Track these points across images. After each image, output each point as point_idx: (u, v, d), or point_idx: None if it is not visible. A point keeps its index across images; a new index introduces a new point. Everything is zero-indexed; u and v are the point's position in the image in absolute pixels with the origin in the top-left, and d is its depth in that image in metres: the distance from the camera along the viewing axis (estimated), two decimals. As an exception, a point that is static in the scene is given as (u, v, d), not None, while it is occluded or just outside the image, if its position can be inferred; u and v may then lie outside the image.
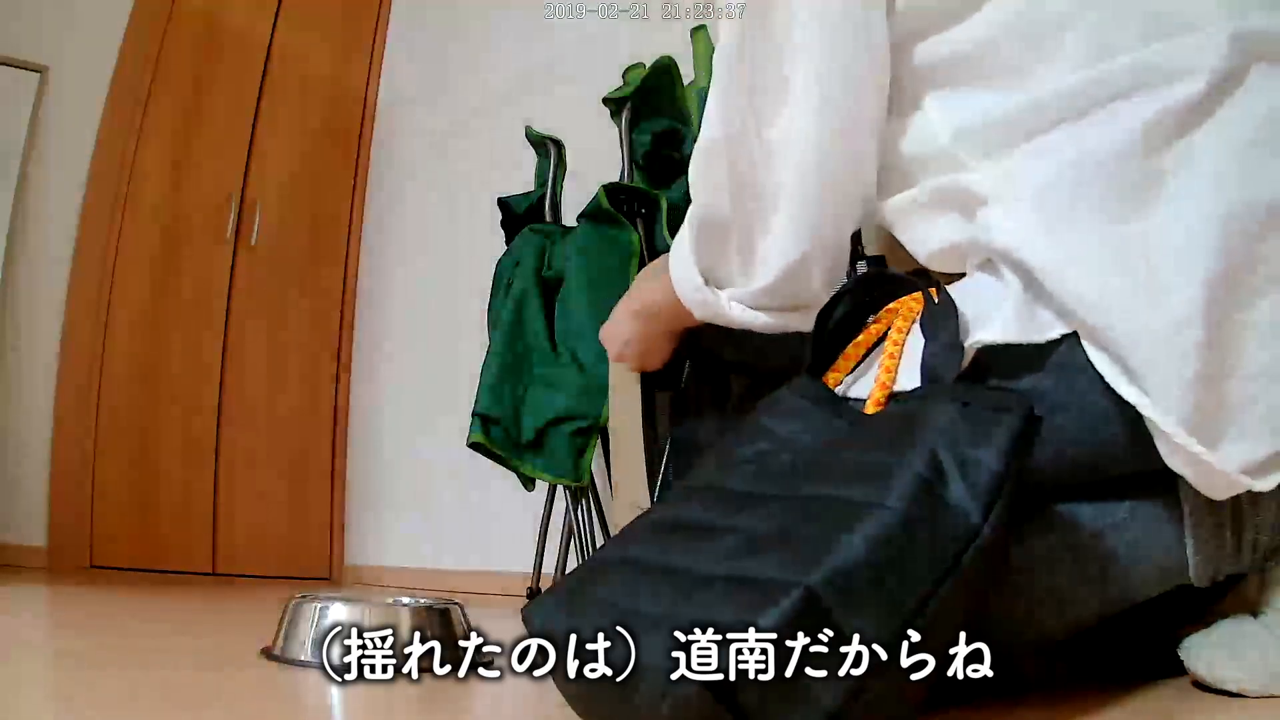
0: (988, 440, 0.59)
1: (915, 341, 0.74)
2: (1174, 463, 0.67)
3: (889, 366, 0.73)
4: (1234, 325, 0.65)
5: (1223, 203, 0.66)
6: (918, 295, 0.76)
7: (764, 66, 0.78)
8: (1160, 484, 0.69)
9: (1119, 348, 0.66)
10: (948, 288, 0.74)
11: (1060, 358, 0.69)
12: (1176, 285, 0.65)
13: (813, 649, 0.50)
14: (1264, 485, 0.66)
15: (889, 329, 0.76)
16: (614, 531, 1.89)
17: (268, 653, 1.01)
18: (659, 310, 0.95)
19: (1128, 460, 0.69)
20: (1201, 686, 0.73)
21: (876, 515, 0.54)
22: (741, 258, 0.81)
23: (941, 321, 0.70)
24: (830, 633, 0.51)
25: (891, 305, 0.78)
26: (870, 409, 0.71)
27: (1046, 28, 0.74)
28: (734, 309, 0.82)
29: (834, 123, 0.78)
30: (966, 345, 0.70)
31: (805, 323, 0.79)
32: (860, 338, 0.78)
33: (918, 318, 0.75)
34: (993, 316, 0.71)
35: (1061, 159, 0.71)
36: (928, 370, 0.68)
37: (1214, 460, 0.64)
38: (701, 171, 0.81)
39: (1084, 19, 0.73)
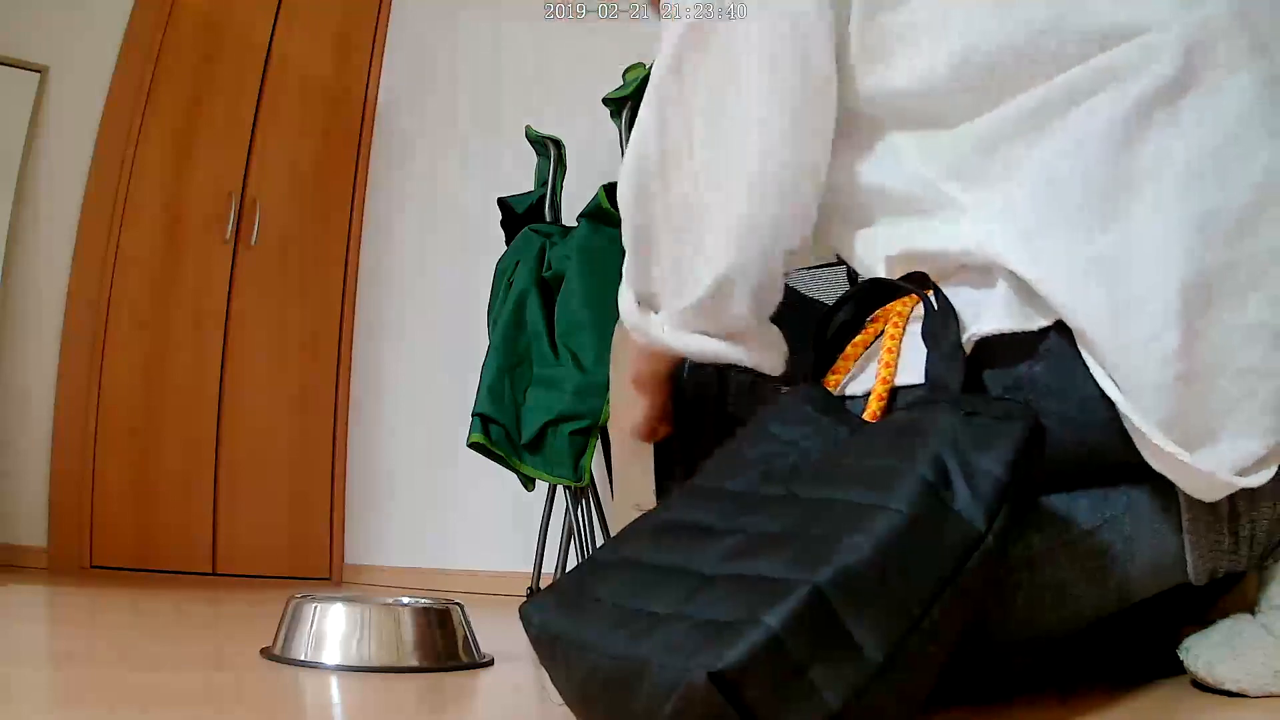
0: (993, 447, 0.59)
1: (911, 339, 0.74)
2: (1158, 465, 0.67)
3: (888, 362, 0.73)
4: (1221, 326, 0.65)
5: (1195, 206, 0.66)
6: (911, 296, 0.76)
7: (703, 83, 0.77)
8: (1156, 476, 0.70)
9: (1101, 356, 0.67)
10: (941, 288, 0.74)
11: (1053, 344, 0.70)
12: (1152, 293, 0.65)
13: (817, 648, 0.50)
14: (1254, 482, 0.66)
15: (885, 327, 0.76)
16: (614, 532, 1.88)
17: (268, 653, 1.01)
18: (644, 367, 0.94)
19: (1121, 447, 0.69)
20: (1201, 686, 0.73)
21: (883, 517, 0.55)
22: (673, 277, 0.80)
23: (942, 328, 0.70)
24: (835, 632, 0.51)
25: (886, 306, 0.78)
26: (873, 404, 0.71)
27: (1004, 54, 0.74)
28: (665, 332, 0.80)
29: (774, 145, 0.76)
30: (964, 339, 0.70)
31: (737, 355, 0.78)
32: (858, 338, 0.79)
33: (912, 313, 0.75)
34: (985, 309, 0.72)
35: (1035, 172, 0.71)
36: (931, 378, 0.69)
37: (1194, 462, 0.65)
38: (634, 188, 0.79)
39: (1040, 42, 0.73)
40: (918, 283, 0.75)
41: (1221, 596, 0.81)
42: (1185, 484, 0.68)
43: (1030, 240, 0.69)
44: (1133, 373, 0.66)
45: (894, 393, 0.73)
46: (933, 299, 0.72)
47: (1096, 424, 0.68)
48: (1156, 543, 0.72)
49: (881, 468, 0.60)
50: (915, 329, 0.74)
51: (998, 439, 0.59)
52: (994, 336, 0.71)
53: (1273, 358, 0.66)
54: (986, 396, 0.71)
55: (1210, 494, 0.68)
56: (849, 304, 0.79)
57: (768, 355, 0.80)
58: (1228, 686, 0.71)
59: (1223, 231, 0.66)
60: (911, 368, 0.72)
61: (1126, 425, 0.67)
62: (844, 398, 0.77)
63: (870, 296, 0.79)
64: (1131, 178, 0.68)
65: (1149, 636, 0.83)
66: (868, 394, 0.74)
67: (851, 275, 1.21)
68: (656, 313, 0.82)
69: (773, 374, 0.80)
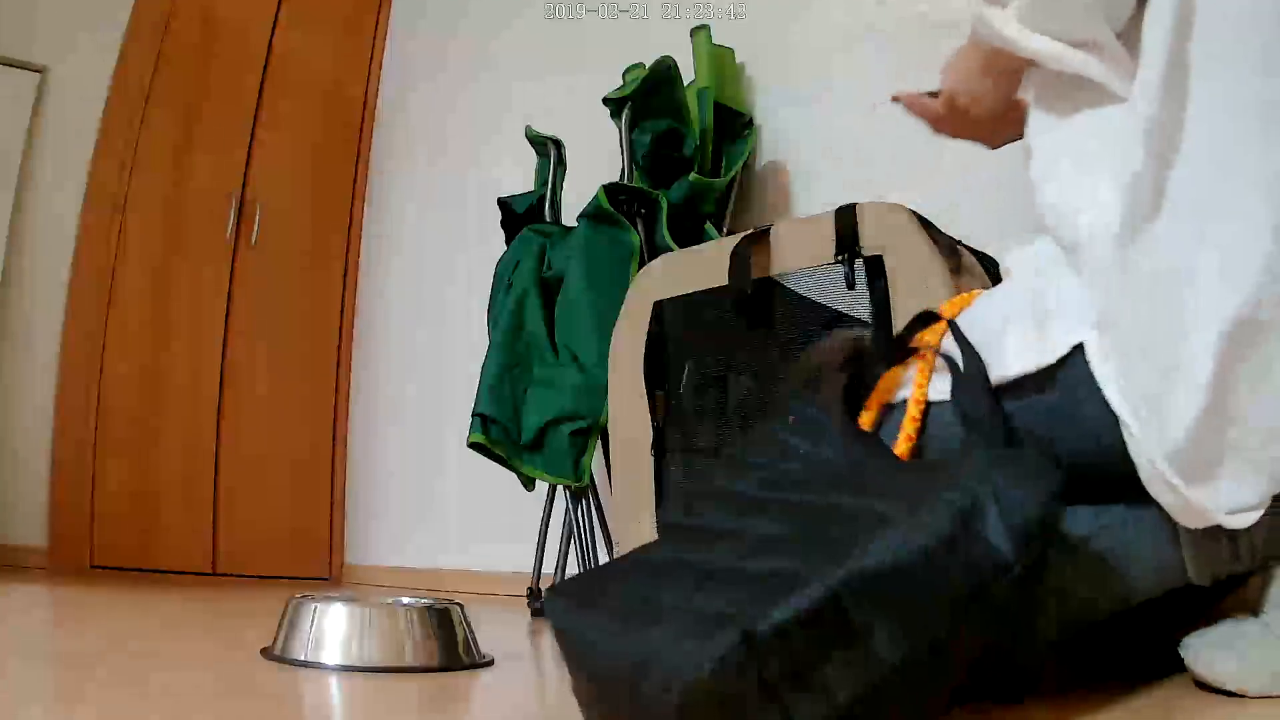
0: (1027, 488, 0.60)
1: (947, 347, 0.78)
2: (1152, 490, 0.68)
3: (920, 383, 0.77)
4: (1257, 380, 0.66)
5: (1267, 255, 0.66)
6: (937, 326, 0.78)
7: None
8: None
9: (1132, 372, 0.67)
10: (957, 321, 0.76)
11: (1068, 374, 0.71)
12: (1198, 326, 0.66)
13: (827, 645, 0.50)
14: (1241, 522, 0.67)
15: (916, 360, 0.80)
16: (614, 532, 1.89)
17: (268, 653, 1.01)
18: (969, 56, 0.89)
19: (1125, 463, 0.69)
20: (1203, 685, 0.73)
21: (906, 527, 0.55)
22: None
23: (969, 369, 0.72)
24: (847, 631, 0.51)
25: (918, 336, 0.81)
26: (906, 425, 0.75)
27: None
28: (1011, 27, 0.76)
29: None
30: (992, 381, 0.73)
31: (1084, 63, 0.73)
32: (894, 370, 0.82)
33: (942, 340, 0.79)
34: (1003, 346, 0.74)
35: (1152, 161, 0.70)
36: (965, 420, 0.71)
37: (1190, 495, 0.66)
38: None
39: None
40: (925, 323, 0.77)
41: (1225, 596, 0.81)
42: (1173, 510, 0.69)
43: (1126, 226, 0.69)
44: (1157, 398, 0.66)
45: (928, 409, 0.77)
46: (954, 344, 0.74)
47: (1105, 447, 0.69)
48: (1155, 549, 0.73)
49: (912, 485, 0.60)
50: (947, 342, 0.77)
51: (1032, 481, 0.60)
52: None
53: None
54: (1021, 449, 0.72)
55: (1195, 523, 0.69)
56: (872, 353, 0.81)
57: (1114, 69, 0.73)
58: (1227, 685, 0.71)
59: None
60: (941, 387, 0.75)
61: (1130, 448, 0.67)
62: (888, 405, 0.80)
63: (892, 348, 0.81)
64: (1207, 208, 0.68)
65: (1152, 635, 0.83)
66: (904, 401, 0.77)
67: (849, 277, 1.21)
68: (1004, 6, 0.77)
69: (1120, 93, 0.73)
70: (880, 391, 0.81)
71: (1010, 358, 0.73)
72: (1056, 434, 0.68)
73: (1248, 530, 0.71)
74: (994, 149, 0.98)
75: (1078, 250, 0.72)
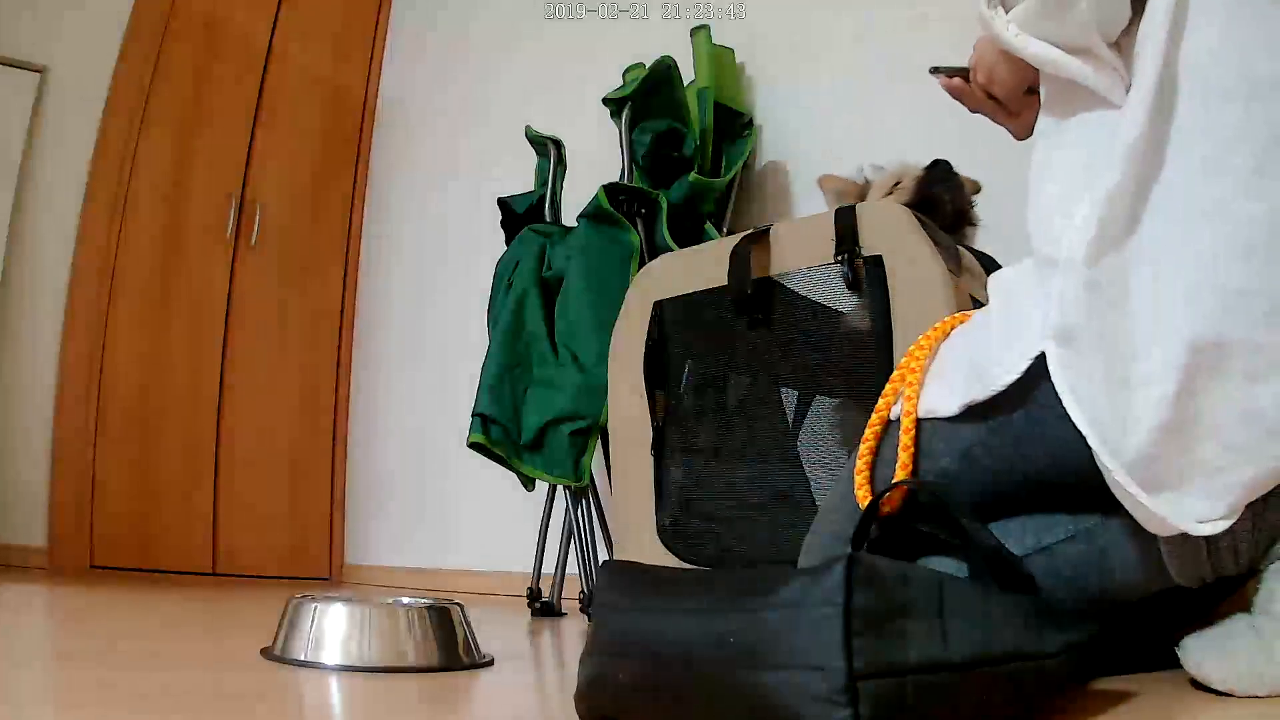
0: (1070, 627, 0.66)
1: (947, 352, 0.83)
2: (1118, 495, 0.69)
3: (910, 396, 0.82)
4: (1223, 397, 0.67)
5: (1237, 276, 0.67)
6: (919, 347, 0.84)
7: None
8: None
9: (1091, 384, 0.68)
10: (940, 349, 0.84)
11: (1045, 386, 0.72)
12: (1161, 342, 0.67)
13: (907, 606, 0.55)
14: (1207, 530, 0.68)
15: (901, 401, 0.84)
16: (614, 533, 1.89)
17: (268, 653, 1.01)
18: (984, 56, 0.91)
19: (1099, 474, 0.70)
20: (1197, 685, 0.74)
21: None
22: None
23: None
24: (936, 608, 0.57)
25: (887, 389, 0.86)
26: (901, 456, 0.81)
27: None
28: (1009, 31, 0.78)
29: None
30: (959, 409, 0.79)
31: (1078, 69, 0.74)
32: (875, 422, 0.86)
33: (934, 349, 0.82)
34: (982, 369, 0.78)
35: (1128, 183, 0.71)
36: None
37: (1152, 505, 0.67)
38: None
39: None
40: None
41: (1223, 596, 0.82)
42: (1140, 517, 0.69)
43: (1103, 235, 0.70)
44: (1117, 409, 0.67)
45: (919, 426, 0.82)
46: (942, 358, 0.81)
47: (1080, 456, 0.70)
48: (1133, 553, 0.74)
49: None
50: (946, 346, 0.82)
51: (1073, 626, 0.67)
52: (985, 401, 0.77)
53: (1266, 445, 0.67)
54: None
55: (1160, 530, 0.70)
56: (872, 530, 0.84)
57: (1110, 79, 0.74)
58: (1215, 685, 0.71)
59: (1262, 312, 0.66)
60: (930, 402, 0.80)
61: (1096, 459, 0.68)
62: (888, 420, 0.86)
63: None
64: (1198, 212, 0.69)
65: (1152, 635, 0.84)
66: (899, 419, 0.83)
67: (849, 278, 1.21)
68: (1006, 10, 0.79)
69: (1116, 102, 0.74)
70: (880, 409, 0.85)
71: (988, 379, 0.76)
72: (1037, 445, 0.71)
73: (1229, 534, 0.71)
74: (1020, 140, 0.99)
75: (1051, 258, 0.73)
